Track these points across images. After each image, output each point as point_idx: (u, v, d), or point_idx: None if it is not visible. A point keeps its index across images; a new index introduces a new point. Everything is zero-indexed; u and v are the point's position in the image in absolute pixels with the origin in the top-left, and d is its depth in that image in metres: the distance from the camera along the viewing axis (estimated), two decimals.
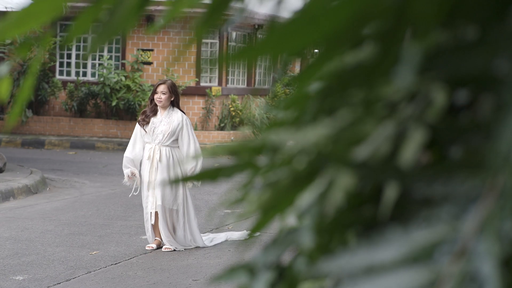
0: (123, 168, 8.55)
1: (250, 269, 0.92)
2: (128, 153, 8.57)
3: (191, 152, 8.40)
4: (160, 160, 8.42)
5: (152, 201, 8.43)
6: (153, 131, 8.44)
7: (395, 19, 0.78)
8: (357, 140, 0.84)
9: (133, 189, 8.54)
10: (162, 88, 8.48)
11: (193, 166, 8.24)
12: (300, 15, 0.77)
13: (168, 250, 8.32)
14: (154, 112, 8.54)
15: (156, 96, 8.49)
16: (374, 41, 0.80)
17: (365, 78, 0.83)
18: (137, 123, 8.69)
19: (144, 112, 8.64)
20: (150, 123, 8.49)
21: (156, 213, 8.43)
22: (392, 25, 0.79)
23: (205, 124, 19.35)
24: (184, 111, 8.82)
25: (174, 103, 8.54)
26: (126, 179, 8.51)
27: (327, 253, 0.85)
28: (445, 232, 0.75)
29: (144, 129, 8.51)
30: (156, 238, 8.43)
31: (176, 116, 8.48)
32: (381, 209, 0.83)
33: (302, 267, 0.88)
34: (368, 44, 0.81)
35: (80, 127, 19.68)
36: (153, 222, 8.42)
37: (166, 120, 8.47)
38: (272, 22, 0.79)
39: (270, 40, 0.78)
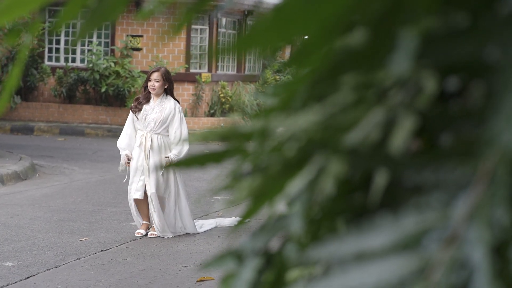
0: (121, 151, 8.52)
1: (238, 256, 0.92)
2: (121, 143, 8.52)
3: (177, 137, 8.37)
4: (151, 147, 8.38)
5: (135, 187, 8.39)
6: (145, 118, 8.40)
7: (389, 4, 0.78)
8: (347, 126, 0.84)
9: (126, 175, 8.55)
10: (155, 75, 8.41)
11: (177, 153, 8.27)
12: (292, 3, 0.76)
13: (154, 236, 8.30)
14: (147, 100, 8.48)
15: (149, 84, 8.44)
16: (367, 26, 0.80)
17: (356, 64, 0.83)
18: (130, 110, 8.65)
19: (137, 99, 8.60)
20: (142, 111, 8.44)
21: (143, 200, 8.39)
22: (386, 11, 0.78)
23: (195, 111, 19.32)
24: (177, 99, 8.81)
25: (168, 91, 8.49)
26: (122, 161, 8.49)
27: (317, 240, 0.85)
28: (435, 219, 0.75)
29: (136, 116, 8.47)
30: (144, 222, 8.41)
31: (168, 104, 8.43)
32: (371, 196, 0.83)
33: (292, 254, 0.88)
34: (359, 29, 0.81)
35: (70, 113, 19.62)
36: (134, 208, 8.43)
37: (158, 108, 8.42)
38: (262, 13, 0.78)
39: (260, 32, 0.77)
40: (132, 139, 8.49)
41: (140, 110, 8.45)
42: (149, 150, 8.37)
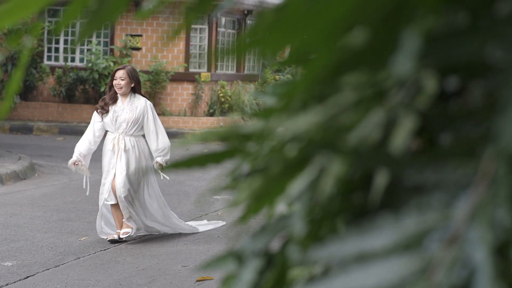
0: (75, 152, 8.05)
1: (238, 257, 0.92)
2: (80, 146, 8.04)
3: (159, 146, 7.96)
4: (125, 150, 7.92)
5: (107, 189, 7.97)
6: (116, 120, 7.90)
7: (393, 4, 0.78)
8: (348, 127, 0.84)
9: (84, 183, 8.15)
10: (121, 73, 7.91)
11: (162, 159, 7.90)
12: (296, 5, 0.76)
13: (126, 234, 7.89)
14: (114, 100, 7.98)
15: (115, 82, 7.92)
16: (370, 26, 0.80)
17: (357, 64, 0.83)
18: (95, 111, 8.11)
19: (104, 100, 8.09)
20: (111, 112, 7.93)
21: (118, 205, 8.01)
22: (390, 11, 0.78)
23: (194, 110, 19.32)
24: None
25: (136, 90, 8.00)
26: (70, 162, 8.02)
27: (318, 240, 0.85)
28: (436, 220, 0.75)
29: (102, 118, 7.97)
30: (118, 231, 7.96)
31: (139, 102, 7.94)
32: (371, 196, 0.83)
33: (293, 254, 0.88)
34: (361, 30, 0.81)
35: (69, 113, 19.62)
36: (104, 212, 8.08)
37: (129, 108, 7.92)
38: (263, 14, 0.78)
39: (261, 36, 0.77)
40: (91, 143, 8.00)
41: (107, 112, 7.96)
42: (122, 153, 7.91)
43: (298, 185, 0.86)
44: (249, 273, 0.90)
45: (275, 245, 0.92)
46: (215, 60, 0.80)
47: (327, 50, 0.79)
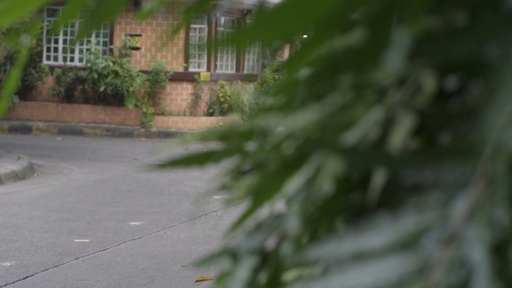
0: None
1: (233, 254, 0.92)
2: None
3: None
4: None
5: None
6: None
7: (385, 2, 0.78)
8: (346, 125, 0.84)
9: None
10: None
11: None
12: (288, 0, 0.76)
13: None
14: None
15: None
16: (364, 25, 0.80)
17: (354, 63, 0.83)
18: None
19: None
20: None
21: None
22: (383, 9, 0.78)
23: (193, 110, 19.31)
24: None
25: None
26: None
27: (315, 239, 0.85)
28: (434, 219, 0.75)
29: None
30: None
31: None
32: (369, 195, 0.83)
33: (288, 253, 0.88)
34: (358, 29, 0.81)
35: (68, 113, 19.61)
36: None
37: None
38: (261, 7, 0.78)
39: (259, 25, 0.77)
40: None
41: None
42: None
43: (295, 183, 0.86)
44: (244, 271, 0.90)
45: (270, 243, 0.92)
46: (215, 50, 0.80)
47: (320, 45, 0.80)
